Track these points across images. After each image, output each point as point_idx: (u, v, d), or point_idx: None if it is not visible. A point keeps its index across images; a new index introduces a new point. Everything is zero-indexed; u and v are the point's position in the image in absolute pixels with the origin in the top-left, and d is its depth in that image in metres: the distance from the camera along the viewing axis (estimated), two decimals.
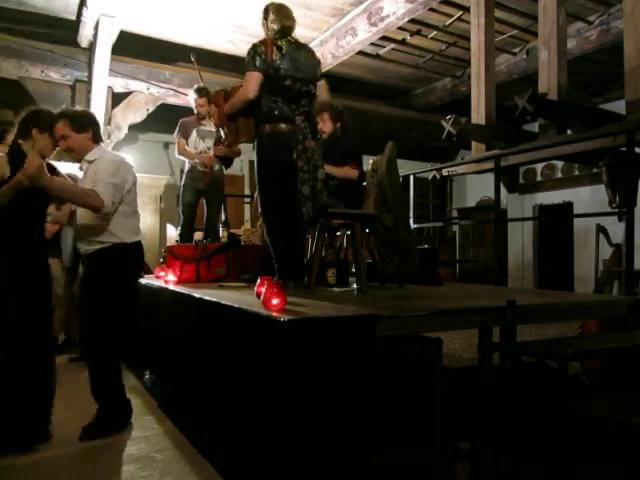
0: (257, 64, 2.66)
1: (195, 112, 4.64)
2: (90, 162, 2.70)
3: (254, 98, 2.70)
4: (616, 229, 5.39)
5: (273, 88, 2.72)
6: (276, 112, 2.72)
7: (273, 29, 2.79)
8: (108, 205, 2.54)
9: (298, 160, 2.72)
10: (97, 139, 2.74)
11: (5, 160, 2.54)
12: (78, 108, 3.01)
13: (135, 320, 2.96)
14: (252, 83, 2.67)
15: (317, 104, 3.04)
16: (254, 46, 2.71)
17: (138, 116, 6.14)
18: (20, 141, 2.62)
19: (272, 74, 2.69)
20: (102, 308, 2.63)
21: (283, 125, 2.72)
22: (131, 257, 2.77)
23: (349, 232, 3.62)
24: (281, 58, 2.70)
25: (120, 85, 5.95)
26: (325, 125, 3.56)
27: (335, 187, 3.60)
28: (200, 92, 4.55)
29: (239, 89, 2.84)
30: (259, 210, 3.05)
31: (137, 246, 2.79)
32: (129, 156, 5.92)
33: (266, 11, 2.86)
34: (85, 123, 2.69)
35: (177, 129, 4.65)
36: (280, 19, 2.79)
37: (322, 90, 3.14)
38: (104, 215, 2.60)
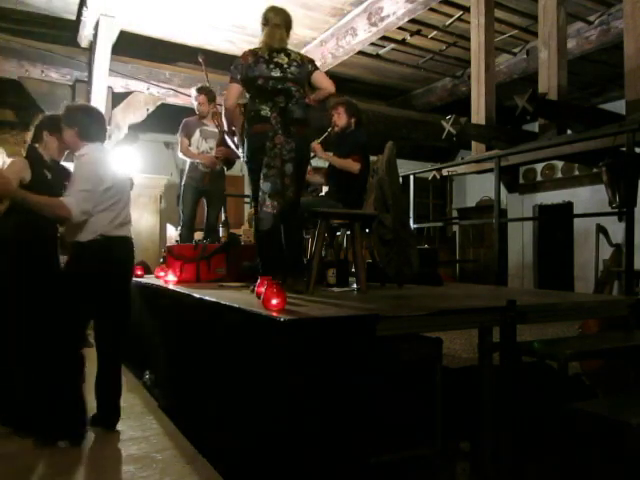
0: (233, 76, 2.85)
1: (196, 111, 4.63)
2: (77, 159, 2.57)
3: (231, 107, 2.92)
4: (616, 229, 5.37)
5: (250, 91, 2.88)
6: (252, 114, 2.86)
7: (260, 41, 2.93)
8: (77, 215, 2.40)
9: (265, 157, 2.78)
10: (84, 136, 2.56)
11: (26, 164, 2.66)
12: (79, 102, 2.99)
13: (128, 321, 2.82)
14: (229, 94, 2.91)
15: (331, 99, 3.16)
16: (234, 61, 2.89)
17: (138, 116, 6.13)
18: (36, 145, 2.77)
19: (248, 78, 2.83)
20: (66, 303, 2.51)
21: (259, 126, 2.82)
22: (83, 257, 2.53)
23: (349, 232, 3.61)
24: (254, 62, 2.82)
25: (120, 85, 5.94)
26: (339, 118, 3.56)
27: (334, 186, 3.60)
28: (200, 90, 4.54)
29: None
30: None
31: (93, 245, 2.51)
32: (126, 155, 5.94)
33: (265, 19, 2.94)
34: (72, 118, 2.58)
35: (180, 128, 4.64)
36: (269, 42, 2.88)
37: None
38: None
